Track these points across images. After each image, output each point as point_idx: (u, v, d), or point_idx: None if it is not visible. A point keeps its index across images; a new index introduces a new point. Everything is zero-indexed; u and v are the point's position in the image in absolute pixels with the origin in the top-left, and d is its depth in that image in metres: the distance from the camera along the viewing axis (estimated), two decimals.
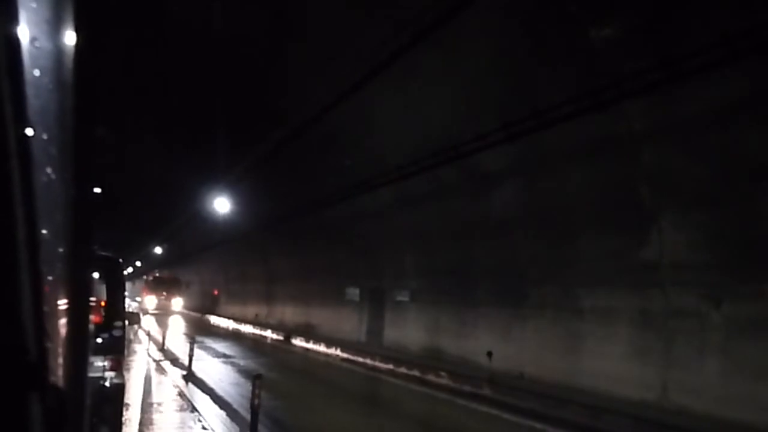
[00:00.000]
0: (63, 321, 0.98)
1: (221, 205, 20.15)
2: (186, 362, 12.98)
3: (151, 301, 46.29)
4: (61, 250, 0.97)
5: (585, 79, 8.56)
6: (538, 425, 8.91)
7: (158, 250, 41.63)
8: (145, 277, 54.56)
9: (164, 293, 47.12)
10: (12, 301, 0.84)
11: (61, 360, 0.96)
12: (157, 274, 50.83)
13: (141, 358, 14.89)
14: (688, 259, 8.67)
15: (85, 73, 0.89)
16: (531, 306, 11.99)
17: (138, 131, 18.03)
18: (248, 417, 6.86)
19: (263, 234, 23.64)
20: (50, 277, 0.98)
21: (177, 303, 47.91)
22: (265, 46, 12.46)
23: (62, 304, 0.99)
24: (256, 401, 7.10)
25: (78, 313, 0.97)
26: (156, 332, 22.01)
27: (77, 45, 0.89)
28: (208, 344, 20.52)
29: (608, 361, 9.99)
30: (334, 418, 9.31)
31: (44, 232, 0.93)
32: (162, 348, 17.55)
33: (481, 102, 10.81)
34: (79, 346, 0.97)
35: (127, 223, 29.72)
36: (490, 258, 13.11)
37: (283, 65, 13.07)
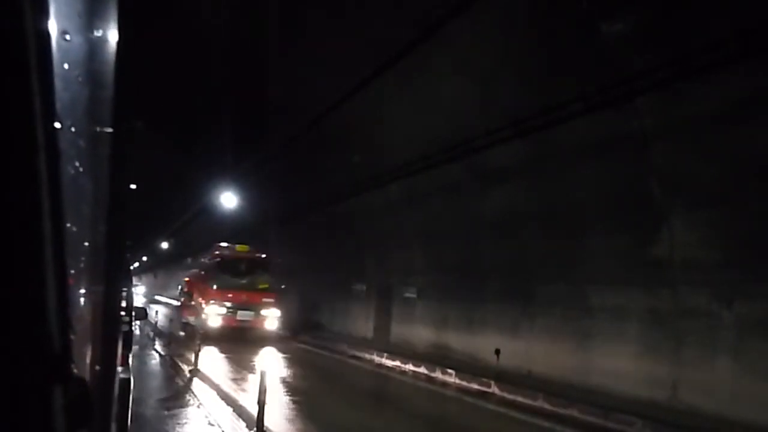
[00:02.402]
0: (88, 314, 0.98)
1: (228, 199, 20.19)
2: None
3: (214, 314, 19.79)
4: (86, 243, 0.98)
5: (595, 75, 8.52)
6: (546, 424, 8.88)
7: (165, 245, 41.72)
8: (191, 260, 28.48)
9: (242, 294, 20.23)
10: (36, 293, 0.85)
11: (88, 353, 0.97)
12: (225, 251, 21.77)
13: None
14: (699, 257, 8.62)
15: (125, 67, 0.89)
16: (539, 304, 11.97)
17: (145, 125, 18.08)
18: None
19: (270, 228, 23.67)
20: (73, 270, 0.99)
21: (273, 317, 20.60)
22: (274, 42, 12.47)
23: (87, 297, 1.01)
24: (262, 397, 7.13)
25: (109, 307, 0.97)
26: None
27: (119, 39, 0.89)
28: None
29: (618, 359, 9.95)
30: (341, 415, 9.32)
31: (69, 224, 0.93)
32: None
33: (491, 98, 10.78)
34: (108, 340, 0.97)
35: (134, 217, 29.83)
36: (498, 255, 13.09)
37: (293, 61, 13.08)
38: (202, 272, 22.37)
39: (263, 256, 21.81)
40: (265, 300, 20.34)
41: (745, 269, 8.00)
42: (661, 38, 7.91)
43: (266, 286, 20.86)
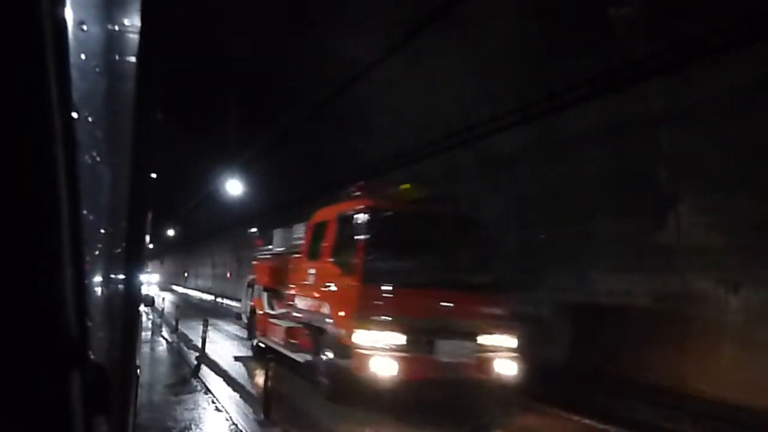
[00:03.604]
0: (107, 301, 1.00)
1: (233, 187, 20.18)
2: None
3: (380, 350, 7.58)
4: (102, 231, 1.00)
5: (602, 59, 8.44)
6: (548, 409, 8.92)
7: (171, 232, 41.90)
8: (256, 228, 18.61)
9: (440, 299, 8.16)
10: (54, 280, 0.86)
11: (106, 339, 0.98)
12: (381, 196, 9.25)
13: None
14: (706, 242, 8.60)
15: (146, 57, 0.89)
16: (545, 289, 11.96)
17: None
18: None
19: (275, 215, 23.66)
20: (89, 258, 1.00)
21: (507, 350, 8.27)
22: (278, 25, 12.41)
23: (105, 284, 1.02)
24: (269, 383, 7.21)
25: (128, 296, 0.99)
26: None
27: (141, 29, 0.90)
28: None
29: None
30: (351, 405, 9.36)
31: (86, 212, 0.95)
32: None
33: (497, 83, 10.72)
34: (127, 328, 0.99)
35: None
36: (503, 241, 13.06)
37: (296, 45, 13.02)
38: (326, 245, 9.82)
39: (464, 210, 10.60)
40: (489, 313, 8.72)
41: (752, 254, 7.99)
42: (669, 21, 7.83)
43: (488, 280, 9.08)
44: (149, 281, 43.24)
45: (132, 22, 0.92)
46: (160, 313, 21.28)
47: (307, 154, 18.17)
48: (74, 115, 0.89)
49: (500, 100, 10.01)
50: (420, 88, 12.29)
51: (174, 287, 47.88)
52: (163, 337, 16.28)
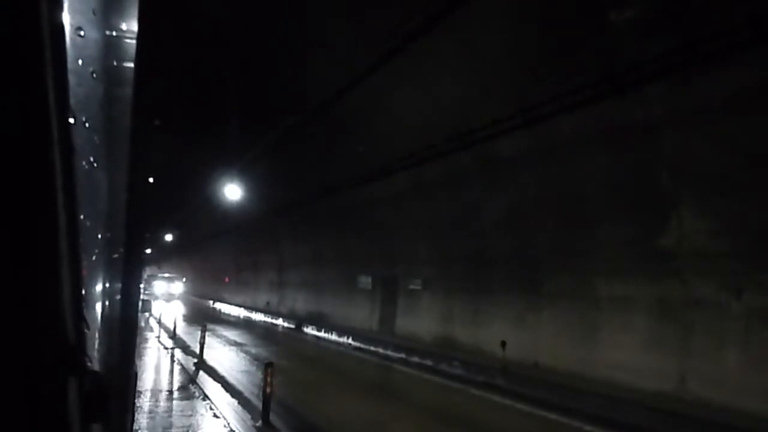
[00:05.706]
0: (105, 307, 0.99)
1: (232, 191, 20.16)
2: None
3: None
4: (99, 236, 0.99)
5: (604, 62, 8.43)
6: (552, 416, 8.88)
7: (169, 237, 41.77)
8: None
9: None
10: (51, 286, 0.85)
11: (103, 345, 0.98)
12: None
13: None
14: (708, 247, 8.58)
15: (144, 62, 0.89)
16: (546, 294, 11.95)
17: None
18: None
19: (274, 220, 23.67)
20: (87, 263, 0.99)
21: None
22: (278, 31, 12.42)
23: (104, 290, 1.01)
24: (268, 389, 7.17)
25: (127, 301, 0.98)
26: None
27: (139, 35, 0.89)
28: None
29: (625, 351, 9.94)
30: (347, 407, 9.35)
31: (83, 217, 0.94)
32: None
33: (497, 86, 10.72)
34: (125, 334, 0.98)
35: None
36: (504, 246, 13.06)
37: (296, 50, 13.03)
38: None
39: None
40: None
41: (754, 259, 7.97)
42: (671, 24, 7.83)
43: None
44: (170, 292, 39.59)
45: (129, 27, 0.91)
46: (158, 319, 21.19)
47: (308, 158, 18.17)
48: (71, 120, 0.88)
49: (501, 104, 9.98)
50: (421, 92, 12.28)
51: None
52: (161, 343, 16.25)
